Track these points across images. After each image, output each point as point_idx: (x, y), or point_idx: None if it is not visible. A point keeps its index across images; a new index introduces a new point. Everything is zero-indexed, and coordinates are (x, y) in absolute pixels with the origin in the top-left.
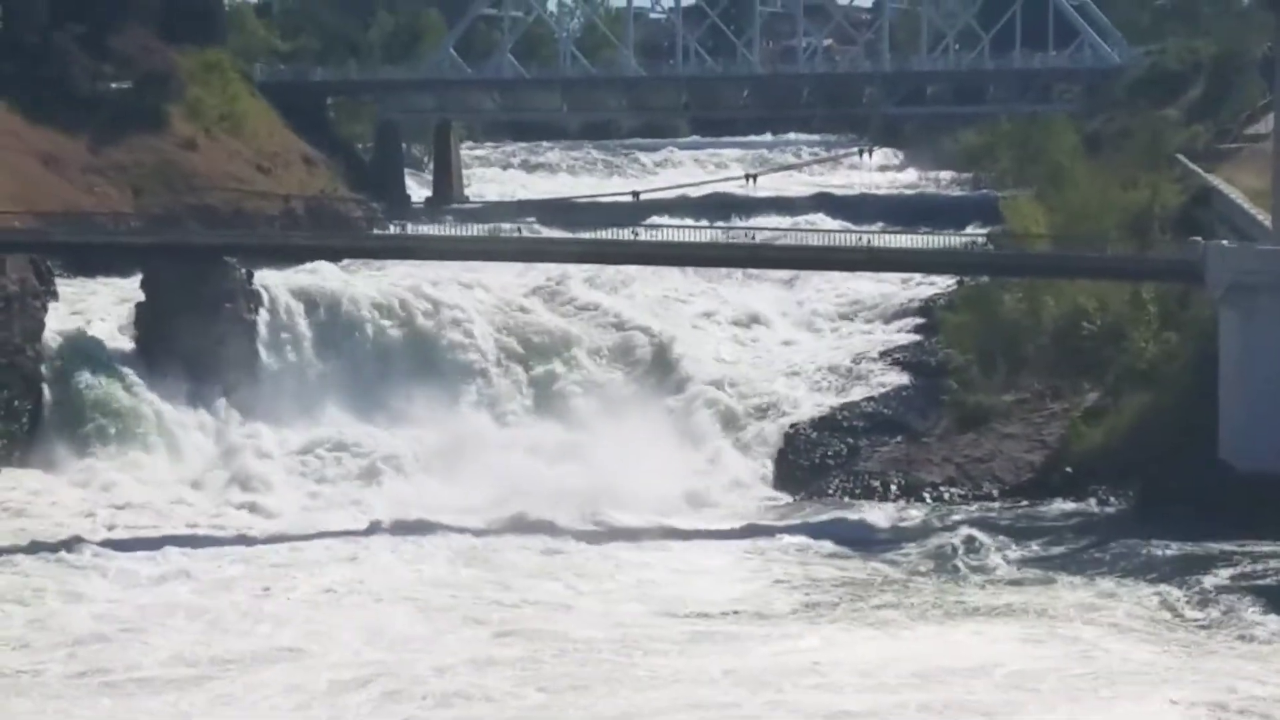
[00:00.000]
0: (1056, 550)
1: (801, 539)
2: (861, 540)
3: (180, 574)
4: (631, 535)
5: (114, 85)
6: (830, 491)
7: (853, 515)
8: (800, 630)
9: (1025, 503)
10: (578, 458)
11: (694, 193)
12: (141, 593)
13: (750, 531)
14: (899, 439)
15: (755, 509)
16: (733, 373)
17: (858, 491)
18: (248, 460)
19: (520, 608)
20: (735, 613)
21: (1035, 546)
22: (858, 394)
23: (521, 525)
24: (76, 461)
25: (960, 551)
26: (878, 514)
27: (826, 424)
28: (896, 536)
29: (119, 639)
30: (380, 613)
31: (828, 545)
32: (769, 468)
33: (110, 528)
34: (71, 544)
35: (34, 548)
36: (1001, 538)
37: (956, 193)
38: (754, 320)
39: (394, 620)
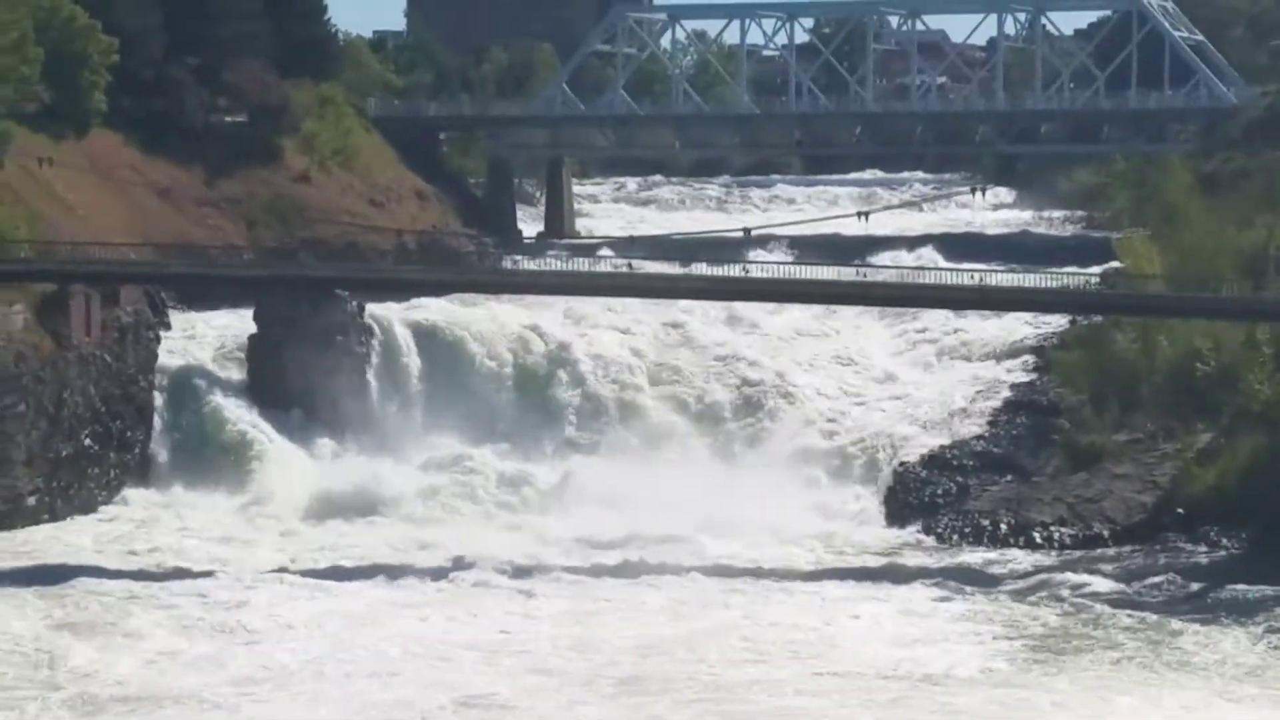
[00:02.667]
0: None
1: (941, 584)
2: (999, 584)
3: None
4: (758, 575)
5: (228, 119)
6: (939, 530)
7: (974, 558)
8: (1035, 694)
9: (1144, 546)
10: (688, 494)
11: (805, 230)
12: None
13: (883, 575)
14: (1009, 478)
15: (876, 549)
16: (842, 410)
17: (967, 530)
18: (358, 492)
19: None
20: (949, 676)
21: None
22: (968, 432)
23: (642, 565)
24: (188, 492)
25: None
26: (997, 555)
27: (936, 462)
28: (1038, 579)
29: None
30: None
31: (970, 590)
32: (878, 506)
33: (223, 561)
34: (209, 573)
35: (162, 576)
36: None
37: (1070, 232)
38: (865, 357)
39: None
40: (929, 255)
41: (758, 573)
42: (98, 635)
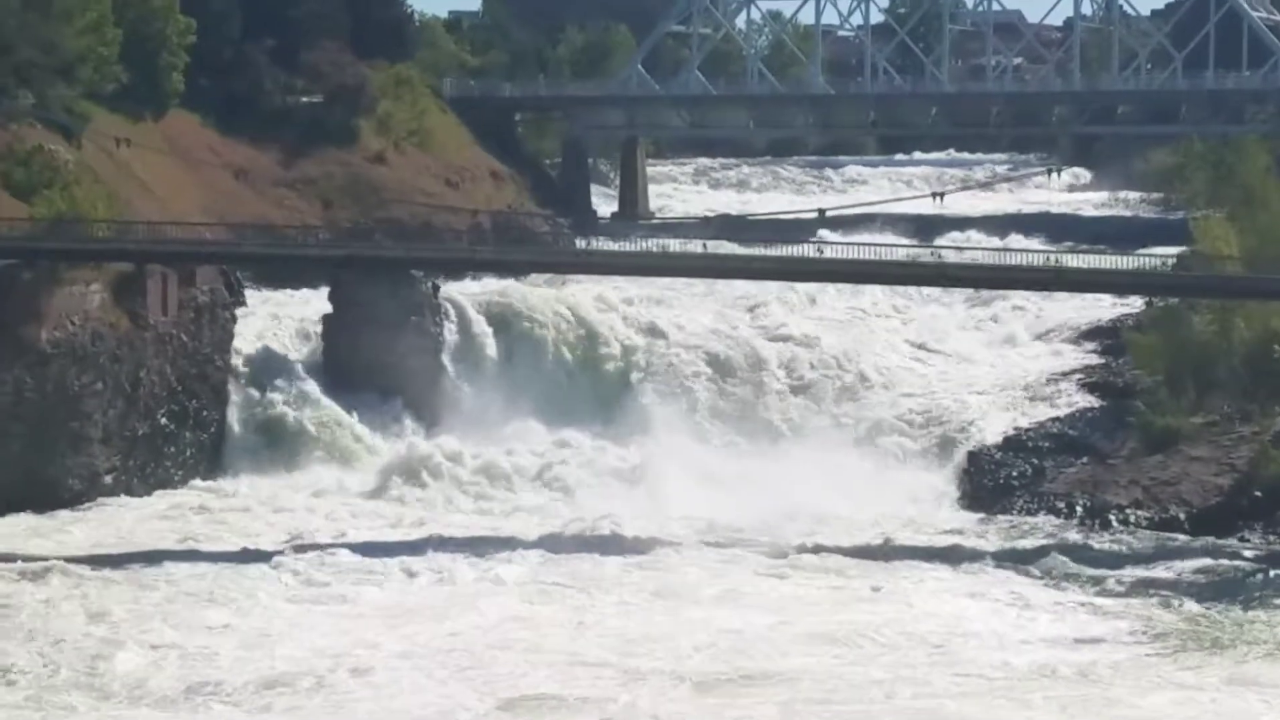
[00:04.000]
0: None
1: (1033, 570)
2: (1096, 568)
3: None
4: (854, 557)
5: (304, 99)
6: (1015, 512)
7: (1053, 542)
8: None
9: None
10: (772, 479)
11: (880, 210)
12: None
13: (966, 558)
14: (1085, 460)
15: (955, 530)
16: (918, 391)
17: (1042, 513)
18: (432, 472)
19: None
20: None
21: None
22: (1044, 414)
23: (728, 545)
24: (262, 472)
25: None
26: (1080, 536)
27: (1012, 444)
28: (1136, 562)
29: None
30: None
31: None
32: (955, 489)
33: (296, 536)
34: (285, 550)
35: (245, 557)
36: None
37: (1146, 213)
38: (940, 339)
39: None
40: (1004, 236)
41: (846, 559)
42: (178, 615)
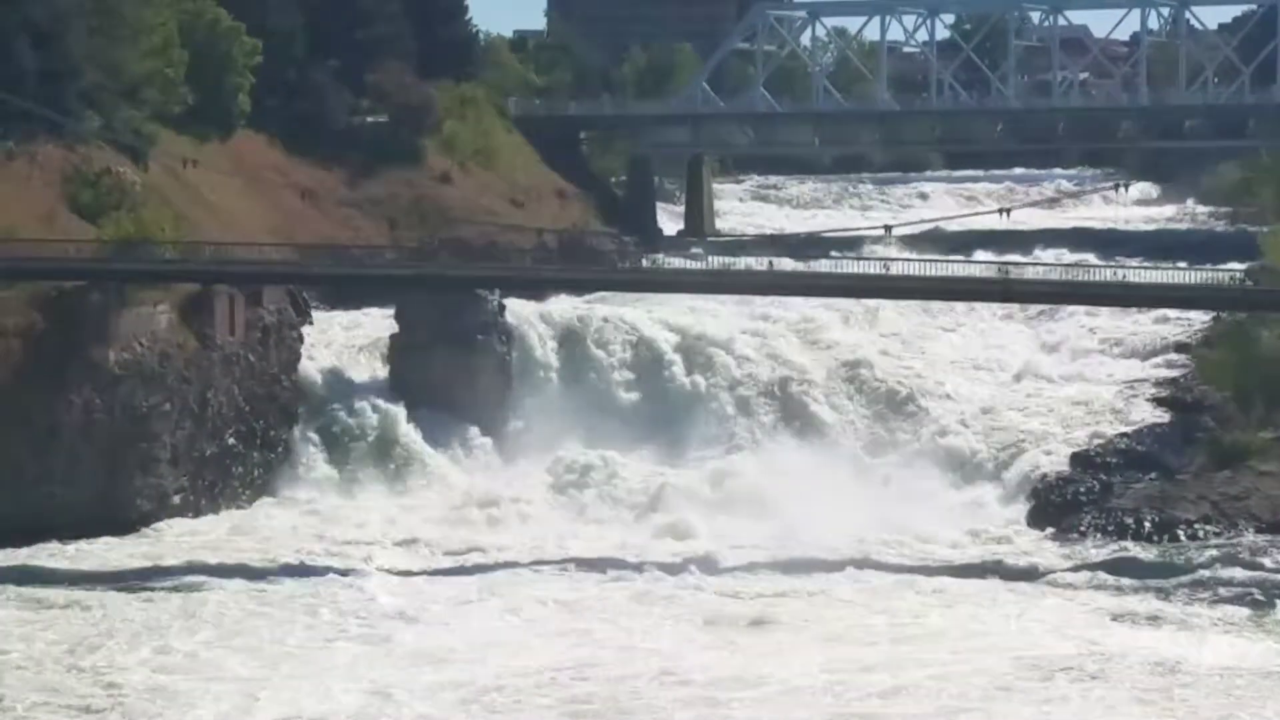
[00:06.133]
0: None
1: (1121, 586)
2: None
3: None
4: (925, 579)
5: (370, 120)
6: (1082, 529)
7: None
8: None
9: None
10: (835, 499)
11: (947, 227)
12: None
13: (1043, 576)
14: (1153, 476)
15: (1024, 548)
16: (982, 407)
17: (1110, 529)
18: (502, 492)
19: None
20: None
21: None
22: (1111, 430)
23: (802, 564)
24: (330, 491)
25: None
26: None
27: (1079, 460)
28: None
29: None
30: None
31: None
32: (1023, 505)
33: (366, 559)
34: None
35: (307, 573)
36: None
37: (1214, 228)
38: (1006, 354)
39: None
40: (1071, 251)
41: (924, 577)
42: (245, 635)
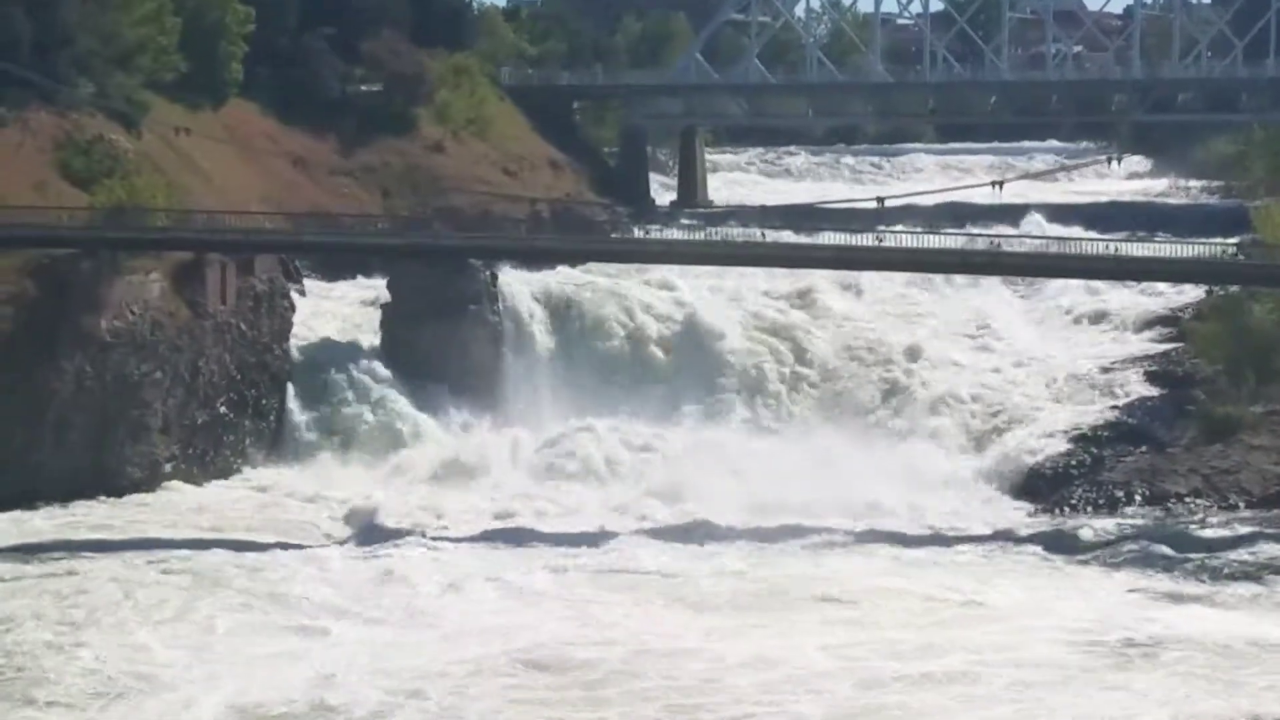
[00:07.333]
0: None
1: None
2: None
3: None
4: (920, 550)
5: (363, 88)
6: (1073, 502)
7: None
8: None
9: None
10: (824, 469)
11: (939, 199)
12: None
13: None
14: (1144, 449)
15: (1013, 522)
16: (972, 380)
17: (1101, 502)
18: (492, 461)
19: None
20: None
21: None
22: (1102, 403)
23: (797, 533)
24: (321, 460)
25: None
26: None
27: (1069, 433)
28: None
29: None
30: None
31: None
32: (1012, 478)
33: (360, 527)
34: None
35: (298, 543)
36: None
37: (1206, 201)
38: (995, 328)
39: None
40: (1063, 224)
41: (918, 548)
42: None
